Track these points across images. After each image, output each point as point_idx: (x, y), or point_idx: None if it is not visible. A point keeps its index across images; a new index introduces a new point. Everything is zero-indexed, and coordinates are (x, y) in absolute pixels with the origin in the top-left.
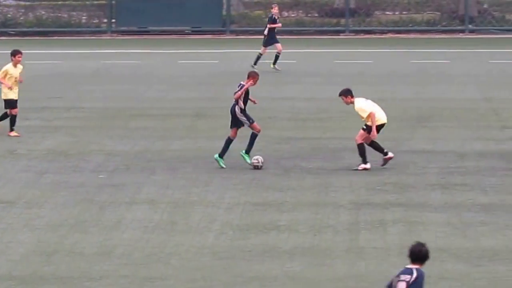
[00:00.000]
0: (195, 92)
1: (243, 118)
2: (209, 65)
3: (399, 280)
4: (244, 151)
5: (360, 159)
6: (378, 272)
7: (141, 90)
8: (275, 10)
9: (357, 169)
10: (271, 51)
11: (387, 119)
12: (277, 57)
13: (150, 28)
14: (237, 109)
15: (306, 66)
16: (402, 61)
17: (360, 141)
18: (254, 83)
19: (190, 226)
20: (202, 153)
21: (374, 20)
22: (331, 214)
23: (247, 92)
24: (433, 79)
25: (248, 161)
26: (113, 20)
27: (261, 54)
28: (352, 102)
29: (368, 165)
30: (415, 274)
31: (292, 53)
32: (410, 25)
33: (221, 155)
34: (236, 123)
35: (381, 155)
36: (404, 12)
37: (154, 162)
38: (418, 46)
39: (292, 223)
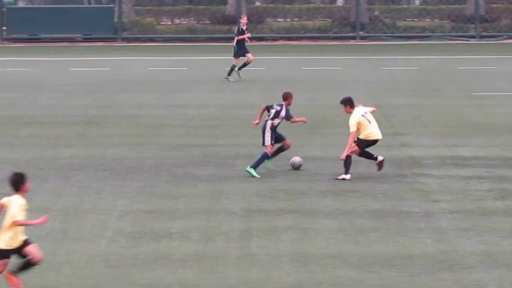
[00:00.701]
0: (86, 100)
1: (268, 136)
2: (100, 72)
3: None
4: (250, 166)
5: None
6: (271, 279)
7: (32, 97)
8: (243, 20)
9: (337, 178)
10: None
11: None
12: (245, 64)
13: (41, 35)
14: (269, 125)
15: (198, 74)
16: (294, 68)
17: (347, 153)
18: (290, 104)
19: (82, 234)
20: (93, 161)
21: (265, 27)
22: (223, 221)
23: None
24: (325, 86)
25: (256, 175)
26: (4, 28)
27: (234, 66)
28: (350, 113)
29: (348, 176)
30: None
31: (184, 60)
32: (302, 32)
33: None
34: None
35: (373, 161)
36: (296, 19)
37: (46, 170)
38: (310, 53)
39: (184, 231)
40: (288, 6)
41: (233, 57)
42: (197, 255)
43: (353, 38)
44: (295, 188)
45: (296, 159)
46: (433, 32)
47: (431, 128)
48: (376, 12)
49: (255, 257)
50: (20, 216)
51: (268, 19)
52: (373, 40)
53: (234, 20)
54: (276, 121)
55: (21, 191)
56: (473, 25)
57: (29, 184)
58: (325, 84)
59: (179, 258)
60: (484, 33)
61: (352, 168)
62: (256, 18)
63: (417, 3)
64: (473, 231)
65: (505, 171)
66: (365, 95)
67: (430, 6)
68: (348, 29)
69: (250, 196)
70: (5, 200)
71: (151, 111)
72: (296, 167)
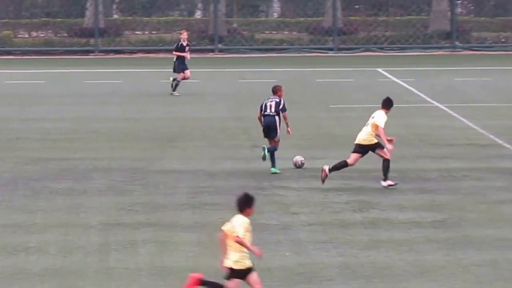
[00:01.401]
0: None
1: (278, 130)
2: None
3: None
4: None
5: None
6: None
7: None
8: (183, 36)
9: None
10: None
11: (139, 140)
12: (178, 82)
13: None
14: (277, 120)
15: (55, 87)
16: (151, 80)
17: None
18: (281, 96)
19: None
20: None
21: (123, 40)
22: (81, 235)
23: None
24: (183, 99)
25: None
26: None
27: (178, 81)
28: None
29: (392, 182)
30: None
31: (41, 73)
32: (160, 44)
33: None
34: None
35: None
36: (154, 32)
37: None
38: (168, 66)
39: (41, 245)
40: (146, 18)
41: (173, 72)
42: (55, 269)
43: (212, 50)
44: (154, 202)
45: (298, 158)
46: (291, 45)
47: (290, 141)
48: (235, 25)
49: (114, 270)
50: (242, 234)
51: (126, 32)
52: (232, 52)
53: (92, 33)
54: (279, 114)
55: (245, 213)
56: (331, 38)
57: (254, 209)
58: (183, 97)
59: (36, 272)
60: (342, 46)
61: (210, 181)
62: (114, 31)
63: (275, 16)
64: (332, 243)
65: (362, 183)
66: (223, 108)
67: (288, 19)
68: (206, 41)
69: (108, 209)
70: (229, 224)
71: (8, 125)
72: (298, 166)
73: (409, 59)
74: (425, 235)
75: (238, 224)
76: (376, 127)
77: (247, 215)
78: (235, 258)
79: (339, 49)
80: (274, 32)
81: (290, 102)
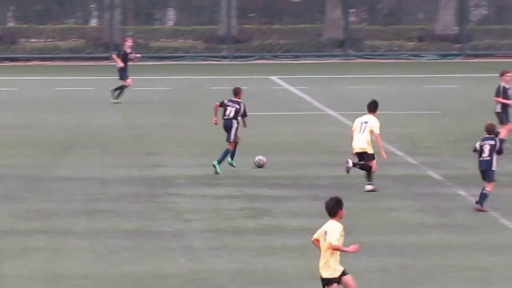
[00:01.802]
0: None
1: (233, 133)
2: None
3: None
4: (231, 160)
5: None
6: None
7: None
8: (128, 43)
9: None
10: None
11: (34, 147)
12: (121, 88)
13: None
14: (235, 124)
15: None
16: (47, 88)
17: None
18: (240, 98)
19: None
20: None
21: (19, 48)
22: None
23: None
24: (78, 106)
25: (219, 170)
26: None
27: (126, 86)
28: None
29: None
30: None
31: None
32: (56, 52)
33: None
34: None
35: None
36: (49, 40)
37: None
38: (63, 73)
39: None
40: (42, 26)
41: (119, 79)
42: None
43: (107, 58)
44: (48, 208)
45: (261, 157)
46: (186, 53)
47: (184, 148)
48: (130, 33)
49: (7, 278)
50: (336, 241)
51: (22, 40)
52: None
53: None
54: (238, 118)
55: (337, 216)
56: (225, 46)
57: (344, 210)
58: (77, 104)
59: None
60: (237, 54)
61: (104, 188)
62: (9, 39)
63: (170, 24)
64: (225, 250)
65: (256, 190)
66: (117, 115)
67: (183, 27)
68: (101, 49)
69: (2, 216)
70: (321, 230)
71: None
72: (260, 165)
73: (303, 67)
74: None
75: (330, 231)
76: (373, 133)
77: (339, 218)
78: (328, 266)
79: (234, 57)
80: (169, 40)
81: (184, 110)
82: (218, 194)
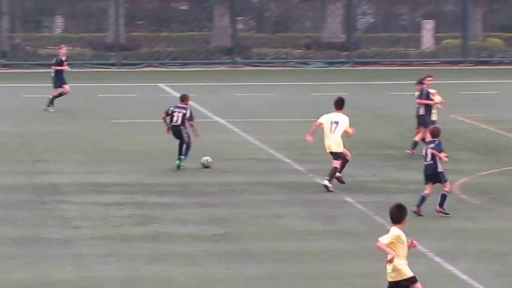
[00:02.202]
0: None
1: (185, 135)
2: None
3: None
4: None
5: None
6: None
7: None
8: (62, 51)
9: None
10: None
11: None
12: (60, 95)
13: None
14: (183, 129)
15: None
16: None
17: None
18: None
19: None
20: None
21: None
22: None
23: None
24: None
25: (183, 164)
26: None
27: (56, 96)
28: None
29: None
30: None
31: None
32: None
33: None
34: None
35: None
36: None
37: None
38: None
39: None
40: None
41: (53, 87)
42: None
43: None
44: None
45: (209, 158)
46: (74, 60)
47: (72, 155)
48: (18, 40)
49: None
50: (386, 242)
51: None
52: (15, 68)
53: None
54: (186, 123)
55: (402, 223)
56: (113, 53)
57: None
58: None
59: None
60: (125, 61)
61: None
62: None
63: (59, 31)
64: (113, 257)
65: (144, 197)
66: (5, 123)
67: (71, 34)
68: None
69: None
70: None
71: None
72: (207, 166)
73: (191, 75)
74: (205, 249)
75: (389, 235)
76: (347, 132)
77: (403, 225)
78: (394, 269)
79: (122, 65)
80: (57, 47)
81: (71, 117)
82: (106, 201)
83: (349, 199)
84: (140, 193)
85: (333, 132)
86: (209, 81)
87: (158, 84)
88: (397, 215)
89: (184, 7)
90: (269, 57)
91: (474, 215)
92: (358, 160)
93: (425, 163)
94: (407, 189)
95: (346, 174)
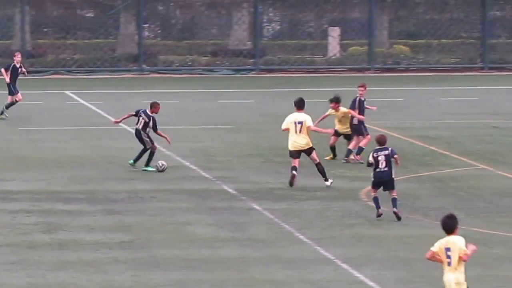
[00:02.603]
0: None
1: (147, 139)
2: None
3: None
4: (132, 160)
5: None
6: None
7: None
8: (17, 58)
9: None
10: None
11: None
12: (12, 105)
13: None
14: (144, 134)
15: None
16: None
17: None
18: (157, 112)
19: None
20: None
21: None
22: None
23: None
24: None
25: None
26: None
27: (13, 103)
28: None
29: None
30: None
31: None
32: None
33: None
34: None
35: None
36: None
37: None
38: None
39: None
40: None
41: (9, 94)
42: None
43: None
44: None
45: (164, 162)
46: None
47: None
48: None
49: None
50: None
51: None
52: None
53: None
54: (147, 129)
55: (455, 232)
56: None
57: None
58: None
59: None
60: (31, 69)
61: None
62: None
63: None
64: (20, 265)
65: (51, 204)
66: None
67: None
68: None
69: None
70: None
71: None
72: (162, 170)
73: (98, 82)
74: (113, 256)
75: (461, 242)
76: (309, 128)
77: (457, 233)
78: (459, 280)
79: (29, 72)
80: None
81: None
82: (13, 209)
83: (257, 206)
84: (47, 200)
85: (300, 131)
86: (116, 88)
87: (65, 92)
88: (450, 225)
89: (90, 14)
90: (175, 64)
91: (381, 222)
92: (265, 167)
93: (378, 170)
94: (314, 196)
95: (253, 181)
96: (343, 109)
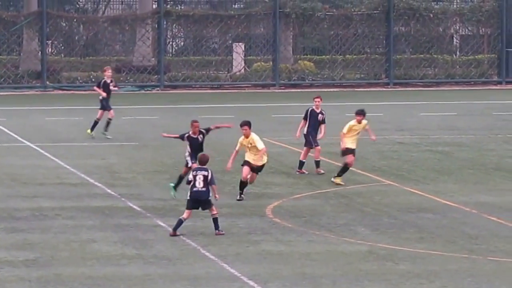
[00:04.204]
0: None
1: (188, 159)
2: None
3: None
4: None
5: None
6: None
7: None
8: (108, 73)
9: None
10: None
11: None
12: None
13: None
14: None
15: None
16: None
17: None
18: (194, 131)
19: None
20: None
21: None
22: None
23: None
24: None
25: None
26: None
27: (110, 119)
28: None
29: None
30: None
31: None
32: None
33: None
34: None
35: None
36: None
37: None
38: None
39: None
40: None
41: (102, 110)
42: None
43: None
44: None
45: None
46: None
47: None
48: None
49: None
50: None
51: None
52: None
53: None
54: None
55: None
56: None
57: None
58: None
59: None
60: None
61: None
62: None
63: None
64: None
65: None
66: None
67: None
68: None
69: None
70: None
71: None
72: None
73: (1, 99)
74: (17, 274)
75: None
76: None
77: None
78: None
79: None
80: None
81: None
82: None
83: (162, 223)
84: None
85: (251, 149)
86: (19, 105)
87: None
88: None
89: None
90: (79, 81)
91: (287, 238)
92: (168, 183)
93: (195, 189)
94: (220, 213)
95: (158, 198)
96: (364, 122)
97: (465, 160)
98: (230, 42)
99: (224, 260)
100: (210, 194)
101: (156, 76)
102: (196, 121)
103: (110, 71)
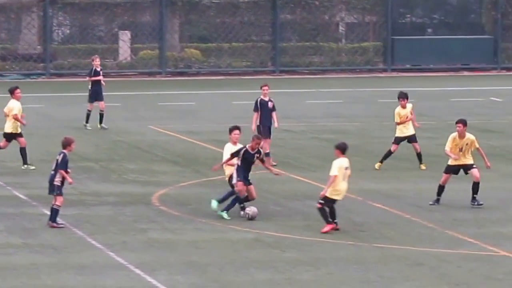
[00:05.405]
0: None
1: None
2: None
3: None
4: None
5: None
6: None
7: None
8: (96, 62)
9: None
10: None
11: None
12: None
13: None
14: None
15: None
16: None
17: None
18: (253, 145)
19: None
20: None
21: None
22: None
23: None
24: None
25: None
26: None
27: (89, 111)
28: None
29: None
30: None
31: None
32: None
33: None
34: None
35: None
36: None
37: None
38: None
39: None
40: None
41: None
42: None
43: None
44: None
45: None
46: None
47: None
48: None
49: None
50: None
51: None
52: None
53: None
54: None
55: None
56: None
57: None
58: None
59: None
60: None
61: None
62: None
63: None
64: None
65: None
66: None
67: None
68: None
69: None
70: None
71: None
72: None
73: None
74: None
75: None
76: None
77: None
78: None
79: None
80: None
81: None
82: None
83: (48, 212)
84: None
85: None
86: None
87: None
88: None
89: None
90: None
91: (174, 226)
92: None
93: (52, 171)
94: (106, 201)
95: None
96: (409, 106)
97: (351, 147)
98: (116, 30)
99: (111, 249)
100: (56, 179)
101: (42, 64)
102: (259, 138)
103: (98, 59)
